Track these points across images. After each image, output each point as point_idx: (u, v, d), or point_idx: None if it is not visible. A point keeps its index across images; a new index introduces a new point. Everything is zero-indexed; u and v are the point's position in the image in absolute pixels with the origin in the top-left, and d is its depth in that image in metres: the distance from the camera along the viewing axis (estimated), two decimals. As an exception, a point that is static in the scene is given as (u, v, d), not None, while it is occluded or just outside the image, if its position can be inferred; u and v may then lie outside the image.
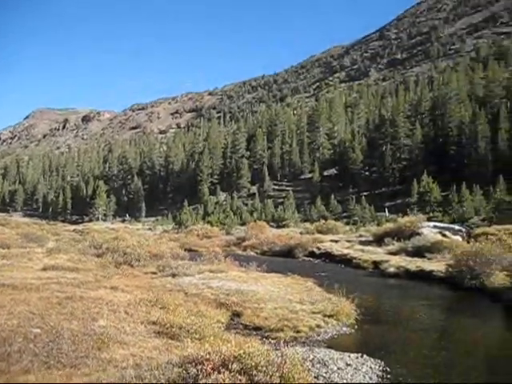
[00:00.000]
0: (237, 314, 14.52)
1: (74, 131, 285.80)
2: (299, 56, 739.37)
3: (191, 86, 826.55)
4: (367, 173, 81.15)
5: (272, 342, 10.93)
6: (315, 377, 9.41)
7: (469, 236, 34.08)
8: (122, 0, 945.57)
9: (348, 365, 10.26)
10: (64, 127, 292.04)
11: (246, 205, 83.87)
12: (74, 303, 12.72)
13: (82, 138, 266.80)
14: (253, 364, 7.17)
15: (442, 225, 39.50)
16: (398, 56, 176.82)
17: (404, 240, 34.25)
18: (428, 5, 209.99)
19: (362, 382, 9.48)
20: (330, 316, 14.40)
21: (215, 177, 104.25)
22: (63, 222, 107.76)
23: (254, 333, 12.82)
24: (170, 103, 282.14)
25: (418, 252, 30.88)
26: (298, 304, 15.55)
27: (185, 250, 32.03)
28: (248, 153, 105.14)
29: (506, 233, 30.30)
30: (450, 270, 22.75)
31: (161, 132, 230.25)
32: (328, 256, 35.85)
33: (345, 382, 9.42)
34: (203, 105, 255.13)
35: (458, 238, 34.66)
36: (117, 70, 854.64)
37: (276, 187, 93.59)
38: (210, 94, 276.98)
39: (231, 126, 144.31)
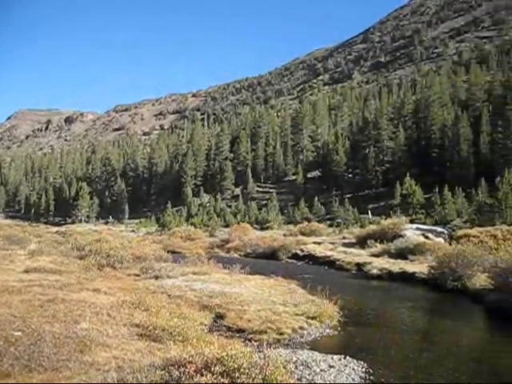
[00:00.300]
0: (220, 316, 14.47)
1: (57, 132, 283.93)
2: (283, 58, 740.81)
3: (175, 88, 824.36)
4: (350, 175, 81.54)
5: (255, 344, 10.89)
6: (298, 379, 9.41)
7: (451, 238, 34.29)
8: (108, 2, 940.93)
9: (331, 366, 10.28)
10: (47, 128, 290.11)
11: (230, 207, 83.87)
12: (56, 306, 12.59)
13: (65, 139, 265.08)
14: (235, 366, 7.17)
15: (424, 227, 39.78)
16: (382, 59, 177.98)
17: (387, 242, 34.40)
18: (411, 8, 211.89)
19: (345, 383, 9.50)
20: (313, 318, 14.39)
21: (199, 179, 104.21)
22: (46, 223, 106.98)
23: (237, 335, 12.79)
24: (153, 104, 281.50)
25: (401, 254, 31.02)
26: (282, 306, 15.53)
27: (168, 252, 31.86)
28: (232, 155, 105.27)
29: (487, 235, 30.63)
30: (433, 271, 22.92)
31: (144, 133, 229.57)
32: (311, 258, 35.89)
33: (328, 383, 9.43)
34: (187, 106, 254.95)
35: (441, 239, 34.87)
36: (100, 72, 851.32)
37: (260, 189, 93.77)
38: (193, 95, 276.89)
39: (215, 128, 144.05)
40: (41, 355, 8.62)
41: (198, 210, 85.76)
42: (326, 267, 31.83)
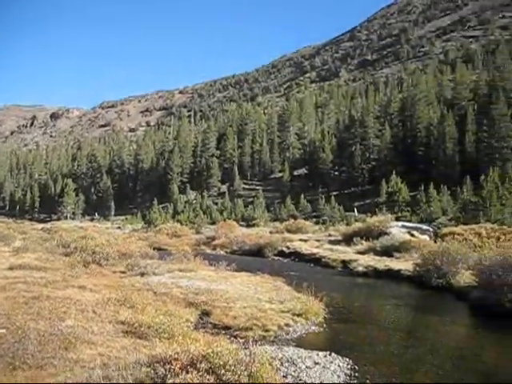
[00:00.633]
0: (206, 313, 14.48)
1: (43, 128, 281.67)
2: (270, 55, 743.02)
3: (162, 84, 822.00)
4: (337, 173, 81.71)
5: (241, 340, 10.90)
6: (284, 376, 9.44)
7: (436, 235, 34.50)
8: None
9: (316, 363, 10.31)
10: (32, 124, 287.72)
11: (216, 204, 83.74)
12: (41, 303, 12.53)
13: (51, 136, 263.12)
14: (221, 363, 7.18)
15: (410, 224, 39.94)
16: (369, 57, 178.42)
17: (373, 239, 34.52)
18: (398, 7, 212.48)
19: (331, 380, 9.53)
20: (298, 315, 14.42)
21: (185, 175, 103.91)
22: (31, 220, 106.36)
23: (223, 332, 12.79)
24: (140, 101, 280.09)
25: (387, 251, 31.14)
26: (267, 303, 15.56)
27: (154, 249, 31.74)
28: (218, 152, 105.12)
29: (472, 232, 30.81)
30: (418, 269, 23.02)
31: (130, 130, 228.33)
32: (297, 255, 35.92)
33: (313, 380, 9.46)
34: (173, 103, 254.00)
35: (426, 237, 35.08)
36: (86, 67, 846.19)
37: (246, 186, 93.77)
38: (180, 92, 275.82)
39: (201, 125, 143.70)
40: (25, 353, 8.58)
41: (185, 207, 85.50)
42: (312, 264, 31.86)
